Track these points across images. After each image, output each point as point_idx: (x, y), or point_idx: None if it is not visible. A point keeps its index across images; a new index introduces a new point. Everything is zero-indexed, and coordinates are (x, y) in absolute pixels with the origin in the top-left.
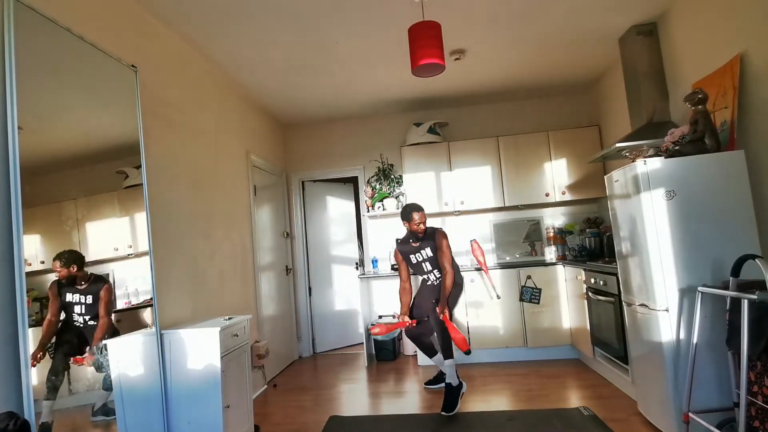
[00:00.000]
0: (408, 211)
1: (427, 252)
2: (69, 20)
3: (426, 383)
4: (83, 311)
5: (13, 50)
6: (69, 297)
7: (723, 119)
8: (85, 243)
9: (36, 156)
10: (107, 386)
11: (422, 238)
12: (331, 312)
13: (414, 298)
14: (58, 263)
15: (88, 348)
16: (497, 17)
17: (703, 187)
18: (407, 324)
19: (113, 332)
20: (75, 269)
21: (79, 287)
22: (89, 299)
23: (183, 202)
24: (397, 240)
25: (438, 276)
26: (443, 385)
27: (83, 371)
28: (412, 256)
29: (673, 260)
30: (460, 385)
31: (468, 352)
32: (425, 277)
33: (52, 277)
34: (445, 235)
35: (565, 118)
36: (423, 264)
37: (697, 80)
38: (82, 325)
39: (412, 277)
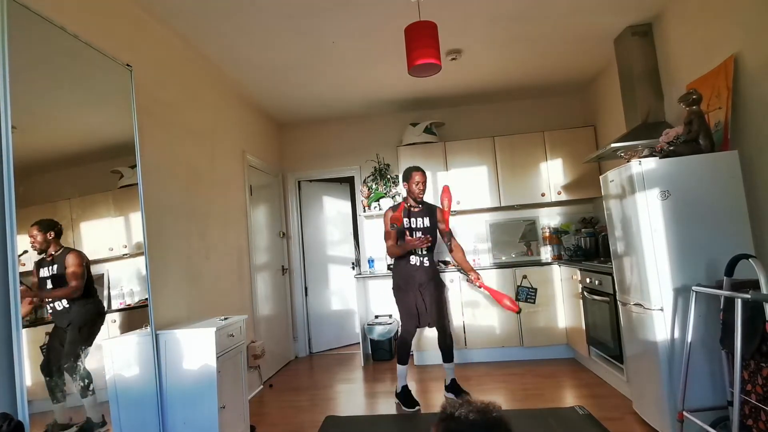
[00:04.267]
0: (408, 171)
1: (425, 221)
2: (63, 19)
3: (455, 392)
4: (52, 285)
5: (6, 49)
6: (42, 272)
7: (717, 120)
8: (79, 243)
9: (30, 155)
10: (82, 394)
11: (422, 205)
12: (327, 312)
13: (402, 293)
14: (35, 229)
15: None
16: (493, 18)
17: (698, 188)
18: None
19: (89, 316)
20: (52, 236)
21: (48, 258)
22: (55, 269)
23: (178, 201)
24: (389, 207)
25: (425, 253)
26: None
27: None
28: (406, 219)
29: (668, 260)
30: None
31: (519, 311)
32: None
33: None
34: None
35: (560, 119)
36: (414, 232)
37: (692, 81)
38: (50, 302)
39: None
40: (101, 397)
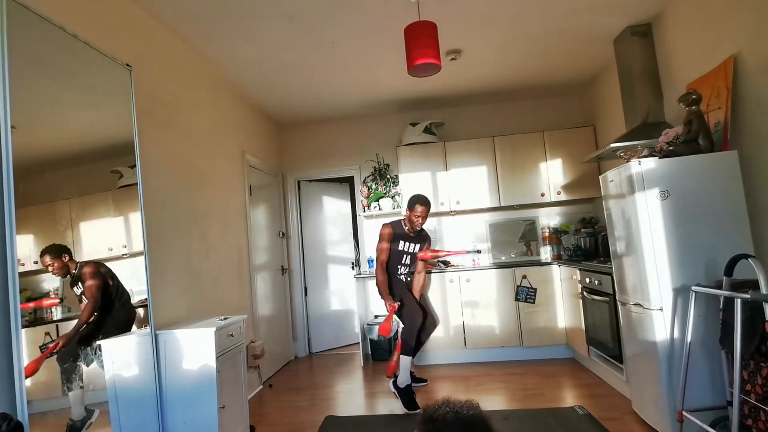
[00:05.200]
0: (414, 201)
1: (416, 248)
2: (63, 19)
3: (413, 382)
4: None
5: (6, 48)
6: (76, 290)
7: (717, 120)
8: (79, 243)
9: (29, 155)
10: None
11: (417, 233)
12: (326, 312)
13: (399, 290)
14: (48, 258)
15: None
16: (493, 18)
17: (697, 188)
18: (396, 306)
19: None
20: (67, 259)
21: (73, 278)
22: (80, 287)
23: (178, 201)
24: (388, 223)
25: (408, 272)
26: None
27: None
28: (402, 242)
29: (668, 260)
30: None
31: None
32: (398, 269)
33: (44, 277)
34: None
35: (560, 119)
36: (405, 255)
37: (691, 81)
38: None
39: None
40: (101, 397)
